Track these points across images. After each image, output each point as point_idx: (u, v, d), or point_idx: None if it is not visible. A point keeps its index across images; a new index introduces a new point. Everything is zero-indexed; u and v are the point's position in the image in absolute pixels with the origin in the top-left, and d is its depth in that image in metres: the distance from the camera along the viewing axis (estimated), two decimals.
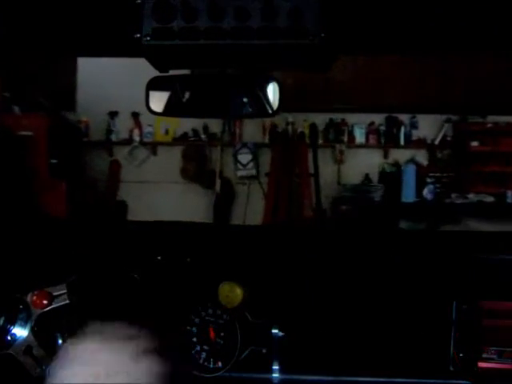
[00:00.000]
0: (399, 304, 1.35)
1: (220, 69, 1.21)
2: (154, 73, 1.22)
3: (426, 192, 6.15)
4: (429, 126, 6.39)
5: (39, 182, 5.13)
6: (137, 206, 6.18)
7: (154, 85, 1.25)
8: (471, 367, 1.29)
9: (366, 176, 6.34)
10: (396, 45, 1.28)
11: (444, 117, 6.33)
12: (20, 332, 1.31)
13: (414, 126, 6.37)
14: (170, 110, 1.24)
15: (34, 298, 1.29)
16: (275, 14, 1.07)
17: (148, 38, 1.11)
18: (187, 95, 1.23)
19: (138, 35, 1.12)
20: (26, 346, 1.29)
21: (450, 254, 1.35)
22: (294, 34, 1.08)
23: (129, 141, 6.42)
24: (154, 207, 6.06)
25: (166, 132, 6.41)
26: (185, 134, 6.40)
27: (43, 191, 5.04)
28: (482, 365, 1.27)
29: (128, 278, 1.30)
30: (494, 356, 1.27)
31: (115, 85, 6.06)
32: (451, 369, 1.31)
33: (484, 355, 1.27)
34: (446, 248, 1.37)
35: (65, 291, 1.29)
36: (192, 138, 6.39)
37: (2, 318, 1.30)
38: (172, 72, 1.22)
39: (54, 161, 5.34)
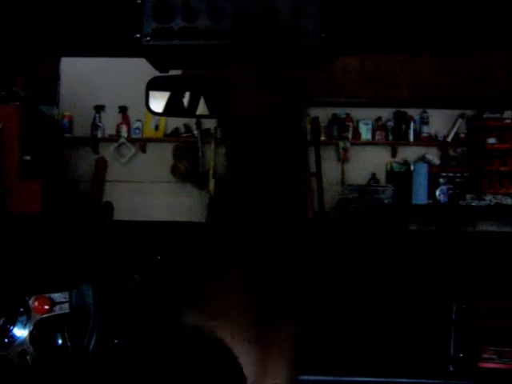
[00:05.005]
0: (399, 304, 1.48)
1: (220, 69, 1.32)
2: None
3: (438, 193, 6.19)
4: (441, 122, 6.46)
5: (9, 181, 5.10)
6: (124, 207, 6.20)
7: (153, 85, 1.36)
8: (471, 367, 1.42)
9: (373, 176, 6.41)
10: (397, 45, 1.40)
11: (457, 112, 6.40)
12: (18, 335, 1.41)
13: (424, 121, 6.43)
14: (170, 110, 1.36)
15: (36, 302, 1.39)
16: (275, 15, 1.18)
17: (148, 38, 1.22)
18: (187, 95, 1.35)
19: (138, 35, 1.23)
20: (21, 350, 1.39)
21: (450, 254, 1.48)
22: (294, 34, 1.18)
23: (116, 137, 6.47)
24: (142, 208, 6.10)
25: (156, 128, 6.46)
26: (176, 130, 6.47)
27: (13, 191, 4.99)
28: (482, 365, 1.41)
29: (128, 278, 1.42)
30: (494, 356, 1.40)
31: (101, 77, 6.13)
32: (451, 369, 1.44)
33: (484, 355, 1.41)
34: (445, 248, 1.50)
35: (67, 299, 1.39)
36: (184, 135, 6.46)
37: (2, 319, 1.40)
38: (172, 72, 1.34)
39: (27, 157, 5.30)
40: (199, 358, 0.50)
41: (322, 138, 6.35)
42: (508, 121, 6.29)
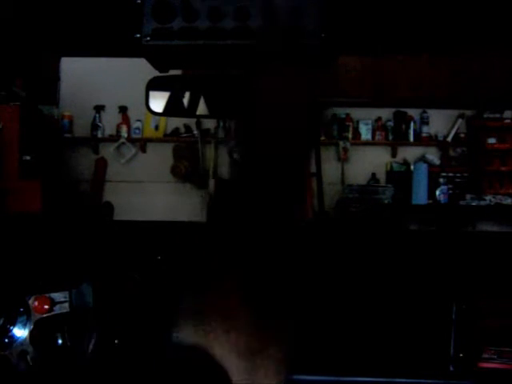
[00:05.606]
0: (399, 304, 1.48)
1: (221, 69, 1.33)
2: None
3: (438, 193, 6.19)
4: (440, 122, 6.46)
5: (9, 181, 5.10)
6: (124, 207, 6.20)
7: (153, 85, 1.36)
8: (471, 367, 1.42)
9: (373, 176, 6.41)
10: (397, 45, 1.40)
11: (457, 112, 6.41)
12: (18, 335, 1.41)
13: (424, 121, 6.43)
14: (170, 110, 1.36)
15: (36, 302, 1.39)
16: (275, 15, 1.18)
17: (148, 38, 1.22)
18: (187, 95, 1.35)
19: (138, 35, 1.23)
20: (21, 350, 1.39)
21: (450, 254, 1.48)
22: (294, 35, 1.18)
23: (116, 137, 6.47)
24: (142, 208, 6.10)
25: (156, 127, 6.48)
26: (176, 130, 6.48)
27: (13, 191, 4.97)
28: (482, 365, 1.41)
29: (128, 278, 1.42)
30: (494, 356, 1.40)
31: (101, 77, 6.13)
32: (451, 369, 1.44)
33: (484, 355, 1.41)
34: (445, 248, 1.50)
35: (67, 299, 1.39)
36: (184, 135, 6.46)
37: (2, 319, 1.40)
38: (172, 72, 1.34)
39: (27, 157, 5.32)
40: (188, 373, 0.50)
41: (322, 138, 6.35)
42: (508, 121, 6.29)
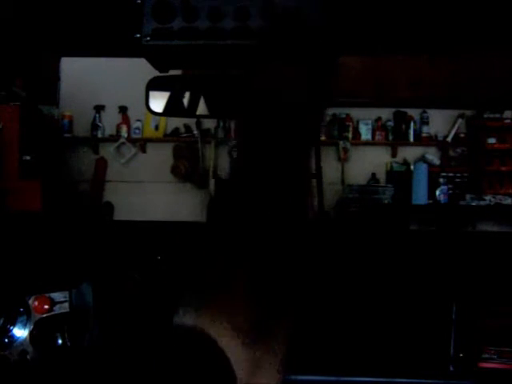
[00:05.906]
0: (399, 304, 1.48)
1: (221, 69, 1.33)
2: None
3: (438, 193, 6.20)
4: (440, 122, 6.48)
5: (9, 181, 5.12)
6: (124, 207, 6.22)
7: (153, 85, 1.36)
8: (471, 367, 1.42)
9: (373, 176, 6.42)
10: (397, 45, 1.40)
11: (457, 112, 6.42)
12: (18, 335, 1.41)
13: (424, 121, 6.45)
14: (170, 110, 1.36)
15: (36, 302, 1.40)
16: (275, 15, 1.18)
17: (148, 38, 1.22)
18: (187, 95, 1.35)
19: (138, 35, 1.23)
20: (21, 350, 1.40)
21: (450, 254, 1.48)
22: (294, 35, 1.18)
23: (116, 137, 6.49)
24: (142, 208, 6.12)
25: (156, 128, 6.49)
26: (176, 130, 6.49)
27: (13, 191, 4.99)
28: (482, 365, 1.41)
29: (128, 278, 1.43)
30: (494, 356, 1.41)
31: (101, 77, 6.14)
32: (451, 369, 1.45)
33: (484, 355, 1.41)
34: (445, 248, 1.51)
35: (67, 299, 1.40)
36: (184, 135, 6.48)
37: (2, 319, 1.40)
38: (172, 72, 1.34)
39: (27, 157, 5.34)
40: (189, 361, 0.50)
41: (322, 138, 6.35)
42: (508, 121, 6.30)
